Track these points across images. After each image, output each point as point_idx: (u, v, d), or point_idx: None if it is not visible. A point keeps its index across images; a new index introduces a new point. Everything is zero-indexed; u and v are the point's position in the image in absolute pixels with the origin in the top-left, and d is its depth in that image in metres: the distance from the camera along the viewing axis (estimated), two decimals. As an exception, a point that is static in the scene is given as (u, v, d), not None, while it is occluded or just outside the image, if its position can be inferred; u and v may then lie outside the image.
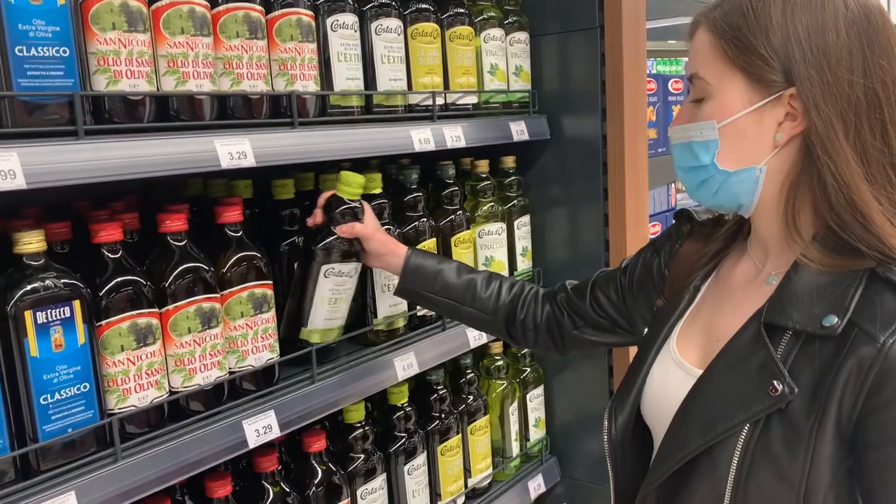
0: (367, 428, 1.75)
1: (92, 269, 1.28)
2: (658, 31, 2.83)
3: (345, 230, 1.57)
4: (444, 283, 1.60)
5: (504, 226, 2.09)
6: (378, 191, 1.76)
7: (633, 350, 2.11)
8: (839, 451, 0.98)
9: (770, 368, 1.01)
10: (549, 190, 2.21)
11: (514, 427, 2.20)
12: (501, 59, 2.03)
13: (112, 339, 1.26)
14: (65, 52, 1.16)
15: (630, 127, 2.06)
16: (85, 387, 1.22)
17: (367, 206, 1.62)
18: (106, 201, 1.55)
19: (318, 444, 1.62)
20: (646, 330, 1.29)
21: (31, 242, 1.17)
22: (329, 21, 1.57)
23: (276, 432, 1.46)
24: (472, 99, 1.95)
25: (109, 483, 1.22)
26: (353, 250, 1.59)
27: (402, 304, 1.83)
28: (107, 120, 1.25)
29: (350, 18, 1.61)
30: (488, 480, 2.12)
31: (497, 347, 2.15)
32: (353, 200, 1.59)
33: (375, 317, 1.78)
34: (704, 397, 1.08)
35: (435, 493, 1.95)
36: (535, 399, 2.27)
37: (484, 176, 2.05)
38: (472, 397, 2.05)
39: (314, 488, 1.62)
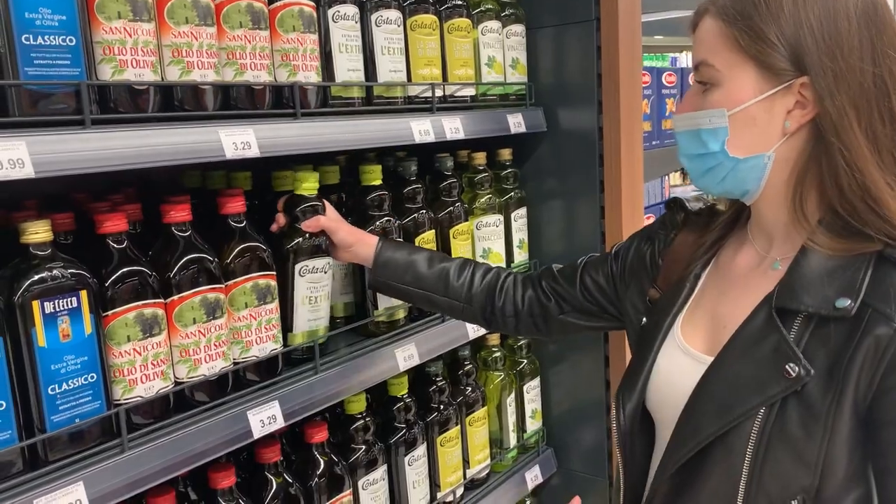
0: (368, 419, 1.75)
1: (97, 260, 1.27)
2: (645, 27, 2.86)
3: (310, 224, 1.57)
4: (416, 274, 1.60)
5: (501, 218, 2.10)
6: (377, 182, 1.77)
7: (626, 341, 2.14)
8: (856, 430, 1.00)
9: (784, 351, 1.02)
10: (545, 182, 2.22)
11: (511, 418, 2.21)
12: (499, 51, 2.04)
13: (118, 329, 1.26)
14: (71, 41, 1.16)
15: (626, 119, 2.07)
16: (92, 377, 1.22)
17: (326, 203, 1.63)
18: (104, 193, 1.55)
19: (321, 435, 1.62)
20: (643, 319, 1.30)
21: (39, 232, 1.17)
22: (330, 12, 1.58)
23: (280, 423, 1.47)
24: (471, 91, 1.96)
25: (117, 473, 1.22)
26: (323, 244, 1.61)
27: (403, 296, 1.83)
28: (112, 109, 1.24)
29: (351, 9, 1.61)
30: (486, 471, 2.14)
31: (494, 339, 2.16)
32: (312, 197, 1.60)
33: (376, 308, 1.79)
34: (717, 383, 1.09)
35: (434, 484, 1.96)
36: (532, 390, 2.29)
37: (481, 168, 2.06)
38: (470, 389, 2.06)
39: (316, 479, 1.62)
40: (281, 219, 1.59)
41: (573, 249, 2.20)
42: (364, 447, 1.74)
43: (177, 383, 1.37)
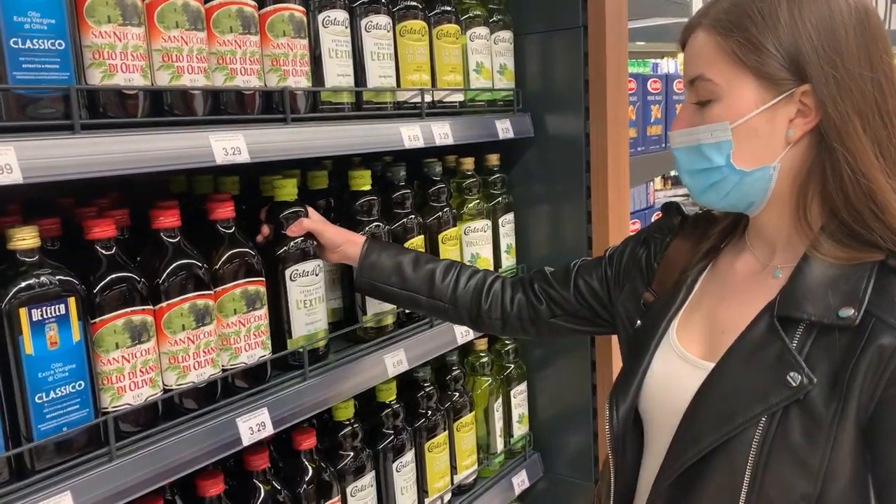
0: (356, 425, 1.75)
1: (84, 266, 1.26)
2: (628, 33, 2.88)
3: (295, 229, 1.57)
4: (402, 275, 1.60)
5: (489, 223, 2.10)
6: (367, 188, 1.76)
7: (617, 346, 2.15)
8: (858, 439, 1.00)
9: (787, 360, 1.03)
10: (532, 187, 2.22)
11: (498, 423, 2.21)
12: (487, 57, 2.05)
13: (107, 336, 1.25)
14: (60, 44, 1.14)
15: (613, 126, 2.08)
16: (80, 385, 1.21)
17: (308, 207, 1.63)
18: (89, 197, 1.53)
19: (309, 442, 1.62)
20: (637, 322, 1.30)
21: (26, 239, 1.15)
22: (320, 17, 1.57)
23: (269, 430, 1.46)
24: (459, 97, 1.96)
25: (105, 482, 1.21)
26: (310, 247, 1.61)
27: (391, 301, 1.83)
28: (101, 114, 1.23)
29: (341, 15, 1.60)
30: (474, 477, 2.13)
31: (482, 344, 2.16)
32: (294, 202, 1.61)
33: (364, 314, 1.78)
34: (719, 391, 1.09)
35: (422, 490, 1.96)
36: (519, 395, 2.29)
37: (469, 173, 2.06)
38: (457, 394, 2.06)
39: (305, 486, 1.61)
40: (265, 229, 1.59)
41: (560, 254, 2.20)
42: (352, 454, 1.73)
43: (165, 391, 1.36)
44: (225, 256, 1.44)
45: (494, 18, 2.08)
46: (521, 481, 2.24)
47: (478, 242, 2.07)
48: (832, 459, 1.00)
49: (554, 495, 2.36)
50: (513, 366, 2.27)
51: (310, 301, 1.61)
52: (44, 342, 1.16)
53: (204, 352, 1.39)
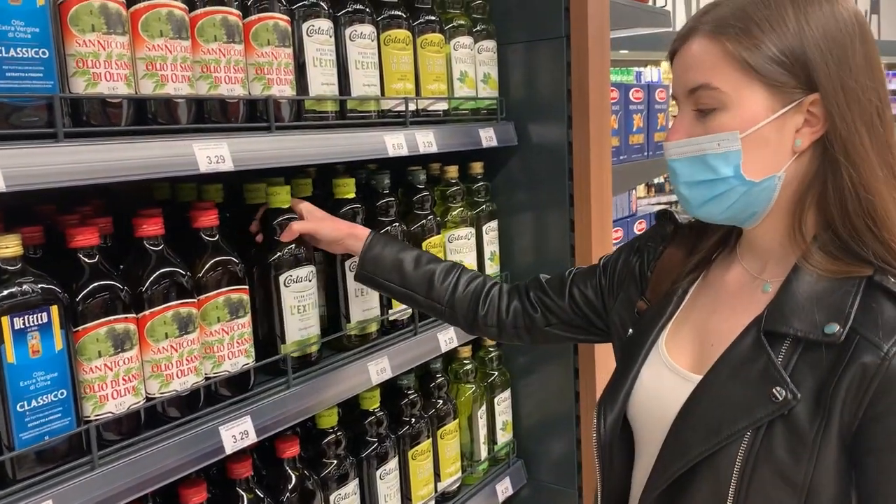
0: (339, 433, 1.75)
1: (67, 274, 1.25)
2: (611, 42, 2.92)
3: (286, 234, 1.59)
4: (402, 273, 1.60)
5: (473, 231, 2.11)
6: (351, 196, 1.77)
7: (600, 353, 2.17)
8: (841, 456, 0.99)
9: (772, 375, 1.02)
10: (516, 196, 2.24)
11: (482, 431, 2.22)
12: (471, 66, 2.06)
13: (89, 344, 1.24)
14: (44, 53, 1.14)
15: (595, 134, 2.10)
16: (62, 393, 1.20)
17: (303, 206, 1.65)
18: (71, 205, 1.53)
19: (292, 450, 1.61)
20: (629, 331, 1.29)
21: (8, 247, 1.15)
22: (305, 26, 1.58)
23: (252, 438, 1.46)
24: (443, 105, 1.97)
25: (87, 491, 1.20)
26: (303, 253, 1.62)
27: (375, 309, 1.84)
28: (85, 123, 1.23)
29: (325, 24, 1.61)
30: (457, 484, 2.14)
31: (465, 352, 2.17)
32: (286, 208, 1.62)
33: (348, 321, 1.78)
34: (706, 403, 1.08)
35: (406, 498, 1.96)
36: (503, 402, 2.30)
37: (453, 181, 2.07)
38: (441, 401, 2.07)
39: (288, 494, 1.61)
40: (260, 235, 1.61)
41: (543, 262, 2.22)
42: (336, 461, 1.74)
43: (148, 399, 1.35)
44: (208, 264, 1.44)
45: (478, 28, 2.10)
46: (504, 488, 2.25)
47: (461, 250, 2.08)
48: (816, 476, 0.99)
49: (537, 502, 2.37)
50: (496, 373, 2.28)
51: (303, 307, 1.62)
52: (26, 350, 1.15)
53: (187, 360, 1.39)
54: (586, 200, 2.11)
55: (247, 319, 1.51)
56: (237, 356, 1.49)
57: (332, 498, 1.72)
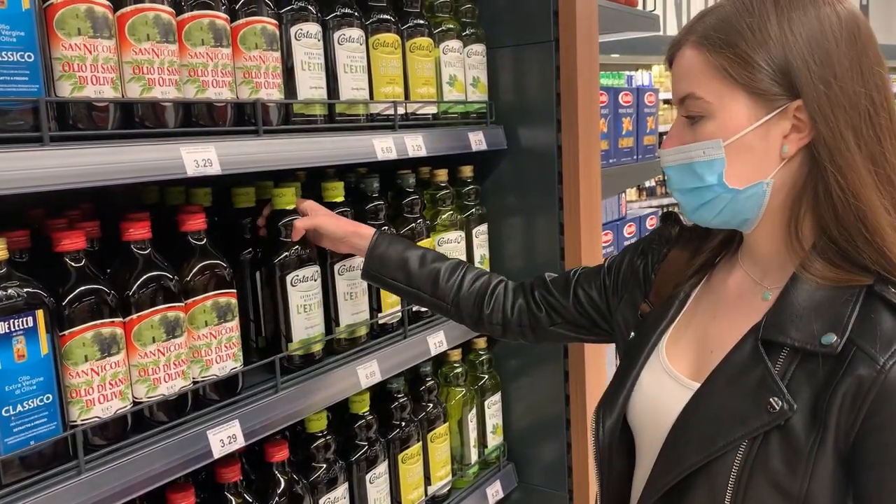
0: (328, 437, 1.74)
1: (53, 278, 1.25)
2: (601, 46, 2.93)
3: (292, 234, 1.61)
4: (408, 271, 1.61)
5: (463, 234, 2.12)
6: (340, 199, 1.77)
7: (590, 356, 2.17)
8: (837, 469, 0.99)
9: (768, 385, 1.01)
10: (505, 199, 2.24)
11: (472, 434, 2.22)
12: (460, 70, 2.06)
13: (76, 349, 1.24)
14: (30, 57, 1.14)
15: (584, 138, 2.11)
16: (48, 398, 1.20)
17: (307, 203, 1.66)
18: (58, 209, 1.52)
19: (281, 454, 1.61)
20: (632, 334, 1.29)
21: (-7, 251, 1.14)
22: (293, 30, 1.58)
23: (240, 442, 1.45)
24: (432, 109, 1.98)
25: (73, 496, 1.19)
26: (308, 253, 1.64)
27: (364, 313, 1.84)
28: (71, 126, 1.22)
29: (313, 28, 1.61)
30: (448, 488, 2.14)
31: (455, 355, 2.17)
32: (291, 209, 1.64)
33: (338, 325, 1.78)
34: (702, 412, 1.08)
35: (396, 502, 1.96)
36: (493, 406, 2.30)
37: (443, 185, 2.07)
38: (431, 405, 2.06)
39: (277, 498, 1.60)
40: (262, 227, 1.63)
41: (533, 266, 2.22)
42: (325, 466, 1.73)
43: (135, 403, 1.35)
44: (196, 268, 1.44)
45: (467, 32, 2.10)
46: (495, 492, 2.25)
47: (451, 253, 2.08)
48: (812, 487, 0.98)
49: (528, 505, 2.37)
50: (487, 376, 2.28)
51: (309, 306, 1.64)
52: (11, 355, 1.15)
53: (174, 364, 1.38)
54: (575, 204, 2.12)
55: (235, 323, 1.51)
56: (225, 360, 1.49)
57: (321, 502, 1.72)
